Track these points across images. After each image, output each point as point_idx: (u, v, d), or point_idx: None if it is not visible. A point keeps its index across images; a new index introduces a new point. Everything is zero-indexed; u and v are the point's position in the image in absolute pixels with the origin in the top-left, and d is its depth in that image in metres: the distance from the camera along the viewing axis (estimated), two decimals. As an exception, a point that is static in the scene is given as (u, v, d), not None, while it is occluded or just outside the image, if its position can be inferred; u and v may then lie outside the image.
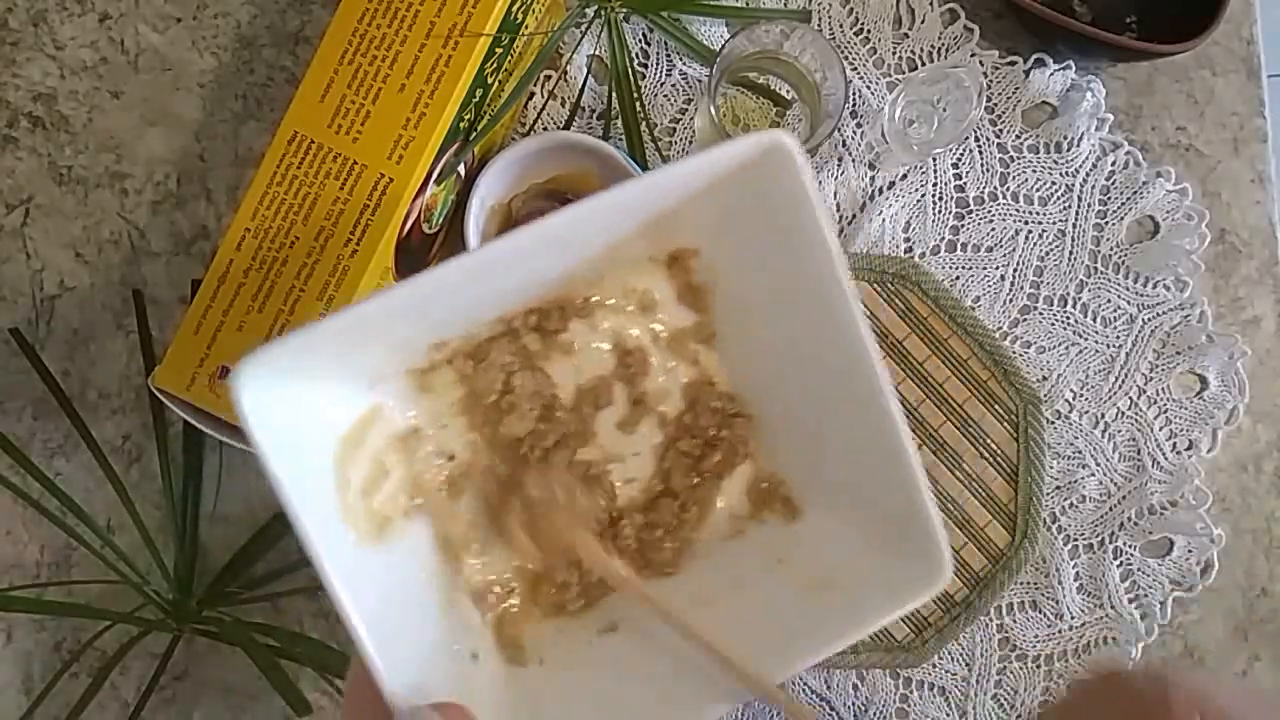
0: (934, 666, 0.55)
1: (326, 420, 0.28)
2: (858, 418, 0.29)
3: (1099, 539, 0.55)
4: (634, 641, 0.30)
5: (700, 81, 0.56)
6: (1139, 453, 0.56)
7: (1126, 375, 0.56)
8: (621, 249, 0.30)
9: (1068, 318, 0.56)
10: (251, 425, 0.25)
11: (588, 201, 0.27)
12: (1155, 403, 0.56)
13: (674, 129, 0.56)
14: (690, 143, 0.56)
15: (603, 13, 0.54)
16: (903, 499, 0.28)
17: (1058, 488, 0.56)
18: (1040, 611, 0.55)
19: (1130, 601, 0.55)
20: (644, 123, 0.55)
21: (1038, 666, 0.55)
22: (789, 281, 0.29)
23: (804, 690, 0.55)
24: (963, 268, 0.56)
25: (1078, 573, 0.55)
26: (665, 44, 0.56)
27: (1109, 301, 0.56)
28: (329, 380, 0.28)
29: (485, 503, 0.31)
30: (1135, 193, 0.56)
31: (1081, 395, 0.56)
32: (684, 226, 0.30)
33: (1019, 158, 0.56)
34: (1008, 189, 0.56)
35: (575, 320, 0.31)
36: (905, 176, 0.56)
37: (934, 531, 0.28)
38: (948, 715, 0.55)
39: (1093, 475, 0.56)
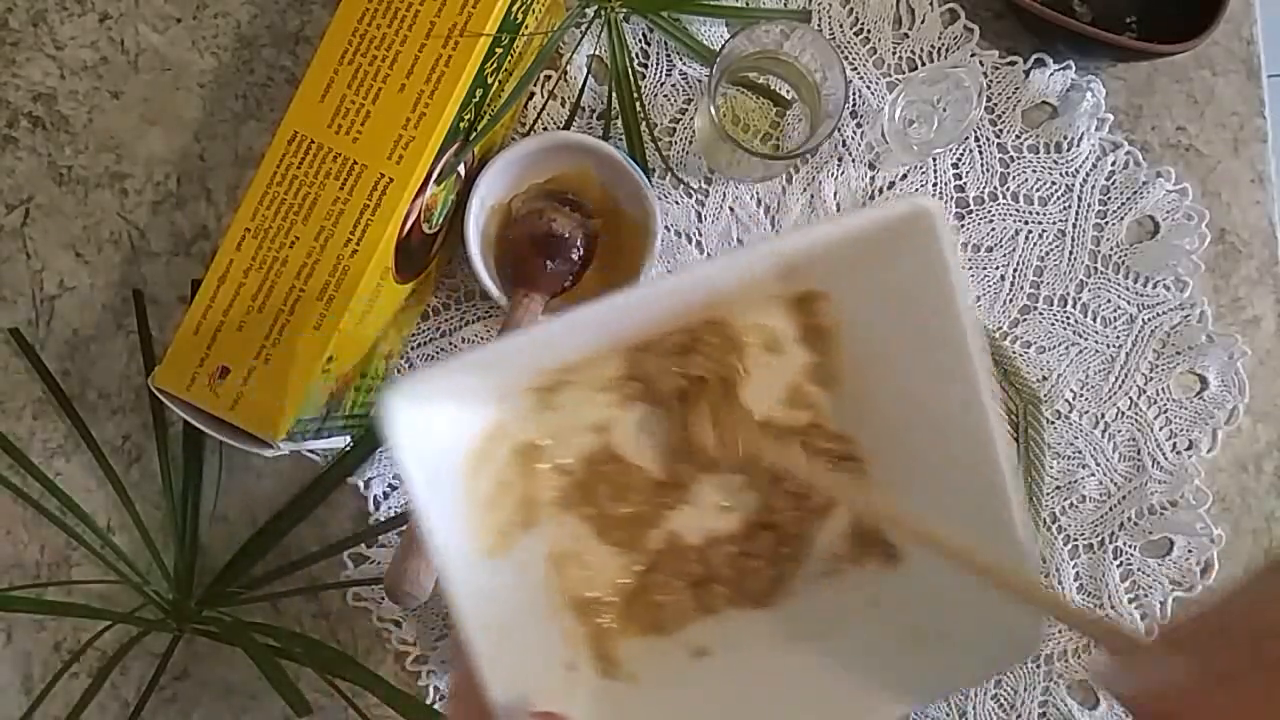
0: (934, 666, 0.55)
1: (457, 436, 0.29)
2: (970, 480, 0.29)
3: (1099, 539, 0.55)
4: (727, 667, 0.31)
5: (700, 81, 0.56)
6: (1139, 453, 0.56)
7: (1126, 375, 0.56)
8: (753, 288, 0.31)
9: (1068, 318, 0.56)
10: (401, 445, 0.26)
11: (744, 251, 0.29)
12: (1155, 403, 0.56)
13: (674, 129, 0.56)
14: (690, 143, 0.56)
15: (603, 13, 0.54)
16: (1011, 557, 0.29)
17: (1058, 488, 0.56)
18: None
19: (1130, 601, 0.55)
20: (644, 123, 0.55)
21: (1038, 667, 0.55)
22: (917, 339, 0.30)
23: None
24: (963, 267, 0.56)
25: (1078, 573, 0.55)
26: (665, 44, 0.56)
27: (1109, 301, 0.56)
28: (462, 399, 0.29)
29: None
30: (1135, 193, 0.56)
31: (1081, 395, 0.56)
32: (817, 271, 0.31)
33: (1019, 158, 0.56)
34: (1008, 189, 0.56)
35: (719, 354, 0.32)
36: (905, 176, 0.56)
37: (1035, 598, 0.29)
38: (948, 715, 0.55)
39: (1093, 475, 0.56)
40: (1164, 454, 0.56)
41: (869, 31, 0.57)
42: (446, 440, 0.29)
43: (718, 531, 0.32)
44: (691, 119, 0.56)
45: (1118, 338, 0.56)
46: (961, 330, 0.29)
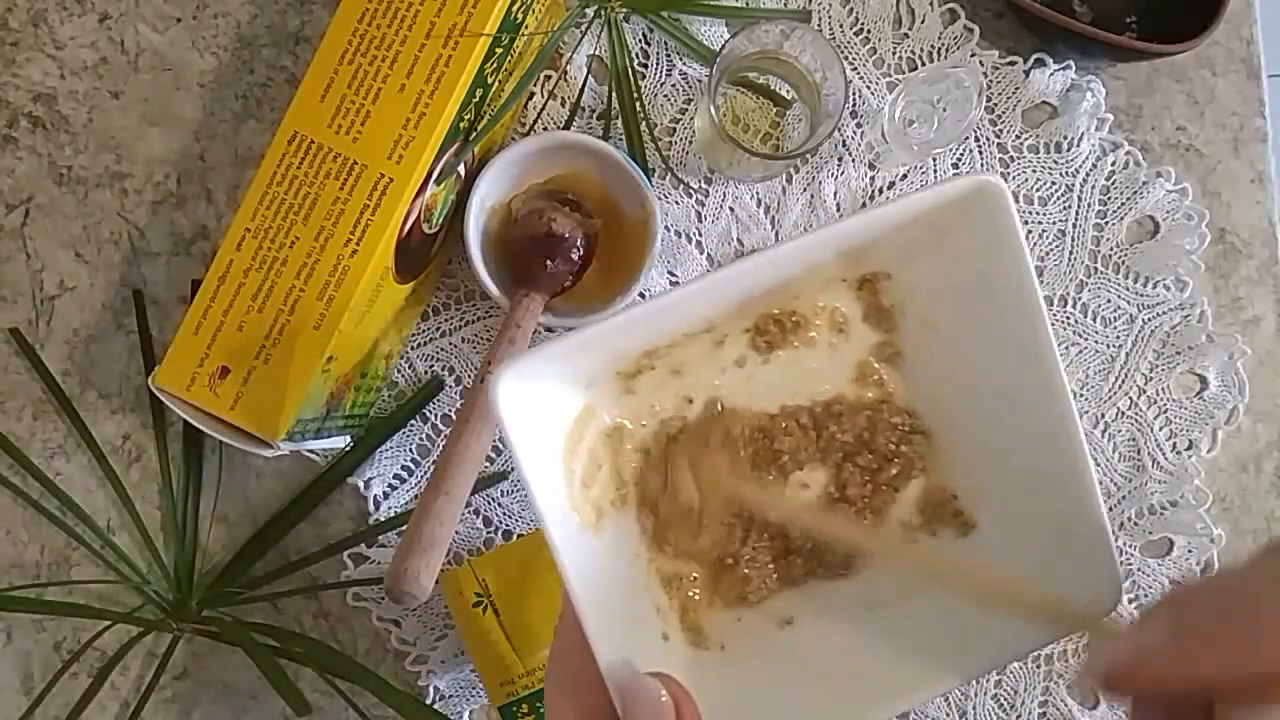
0: (934, 666, 0.55)
1: (555, 419, 0.31)
2: (1043, 444, 0.31)
3: (1099, 539, 0.55)
4: (811, 635, 0.33)
5: (700, 81, 0.56)
6: (1139, 453, 0.56)
7: (1126, 375, 0.56)
8: (817, 271, 0.32)
9: (1068, 318, 0.56)
10: (508, 428, 0.27)
11: (810, 235, 0.29)
12: (1155, 403, 0.56)
13: (674, 129, 0.56)
14: (690, 143, 0.56)
15: (603, 13, 0.54)
16: (1082, 522, 0.30)
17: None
18: (1040, 611, 0.55)
19: (1130, 601, 0.55)
20: (644, 123, 0.55)
21: (1038, 666, 0.55)
22: (985, 314, 0.31)
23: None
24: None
25: (1078, 573, 0.55)
26: (665, 44, 0.56)
27: (1109, 301, 0.56)
28: (558, 383, 0.31)
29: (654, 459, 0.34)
30: (1135, 193, 0.56)
31: (1081, 395, 0.56)
32: (880, 252, 0.32)
33: (1019, 158, 0.56)
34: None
35: (789, 334, 0.34)
36: (905, 176, 0.56)
37: (1110, 553, 0.30)
38: (948, 715, 0.55)
39: (1093, 475, 0.56)
40: (1164, 454, 0.56)
41: (869, 31, 0.57)
42: (547, 420, 0.30)
43: (798, 505, 0.34)
44: (691, 119, 0.56)
45: (1118, 338, 0.56)
46: (1034, 303, 0.30)
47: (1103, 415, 0.56)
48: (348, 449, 0.53)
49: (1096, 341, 0.56)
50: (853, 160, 0.56)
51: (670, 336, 0.33)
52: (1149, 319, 0.56)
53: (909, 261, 0.32)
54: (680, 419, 0.34)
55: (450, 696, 0.54)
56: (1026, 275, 0.30)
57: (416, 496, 0.55)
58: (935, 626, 0.31)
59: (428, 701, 0.54)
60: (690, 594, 0.33)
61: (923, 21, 0.56)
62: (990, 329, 0.31)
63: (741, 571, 0.33)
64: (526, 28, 0.50)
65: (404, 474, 0.55)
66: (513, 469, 0.55)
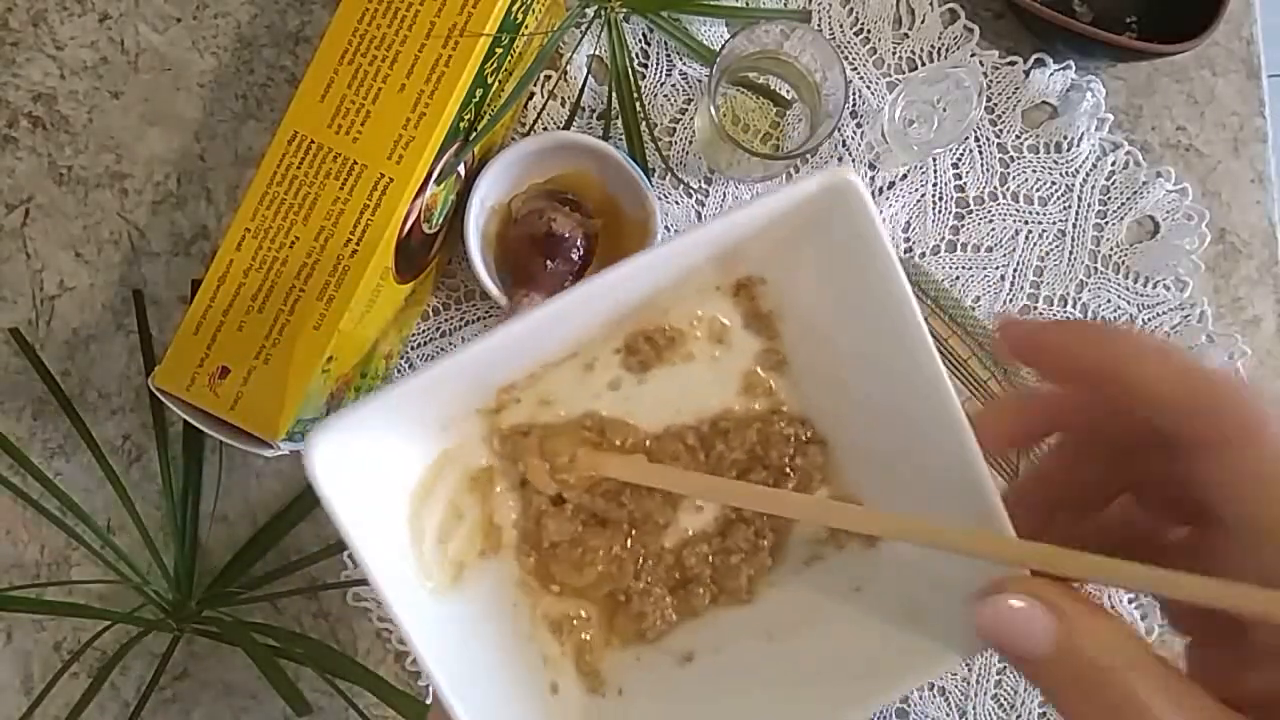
0: (934, 666, 0.55)
1: (398, 472, 0.28)
2: (931, 437, 0.28)
3: (1099, 539, 0.55)
4: (715, 669, 0.31)
5: (700, 81, 0.56)
6: (1139, 453, 0.56)
7: (1126, 375, 0.56)
8: (690, 280, 0.30)
9: (1068, 318, 0.56)
10: (326, 493, 0.25)
11: (672, 242, 0.27)
12: (1155, 403, 0.56)
13: (674, 129, 0.56)
14: (690, 142, 0.56)
15: (603, 13, 0.54)
16: (978, 519, 0.28)
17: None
18: (1040, 611, 0.55)
19: (1130, 601, 0.55)
20: (644, 123, 0.55)
21: (1038, 666, 0.55)
22: (856, 308, 0.29)
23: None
24: (963, 268, 0.56)
25: (1078, 573, 0.55)
26: (665, 44, 0.56)
27: (1109, 301, 0.56)
28: (398, 431, 0.28)
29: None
30: (1135, 193, 0.56)
31: (1081, 395, 0.56)
32: (750, 256, 0.30)
33: (1019, 158, 0.56)
34: (1008, 189, 0.56)
35: (665, 350, 0.32)
36: (905, 176, 0.56)
37: (1005, 524, 0.28)
38: (948, 715, 0.55)
39: (1093, 475, 0.55)
40: (1164, 454, 0.56)
41: (869, 31, 0.57)
42: (385, 479, 0.28)
43: (692, 531, 0.32)
44: (691, 119, 0.56)
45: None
46: (900, 294, 0.28)
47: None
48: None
49: (1096, 341, 0.56)
50: (853, 160, 0.56)
51: (528, 368, 0.30)
52: (1149, 319, 0.56)
53: (780, 263, 0.30)
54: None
55: (450, 696, 0.54)
56: (887, 268, 0.28)
57: (416, 496, 0.55)
58: (850, 647, 0.30)
59: (428, 701, 0.54)
60: (583, 636, 0.31)
61: (923, 21, 0.56)
62: (865, 325, 0.29)
63: (636, 607, 0.31)
64: (526, 28, 0.50)
65: (404, 474, 0.55)
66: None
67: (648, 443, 0.31)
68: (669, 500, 0.32)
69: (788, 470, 0.32)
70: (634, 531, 0.31)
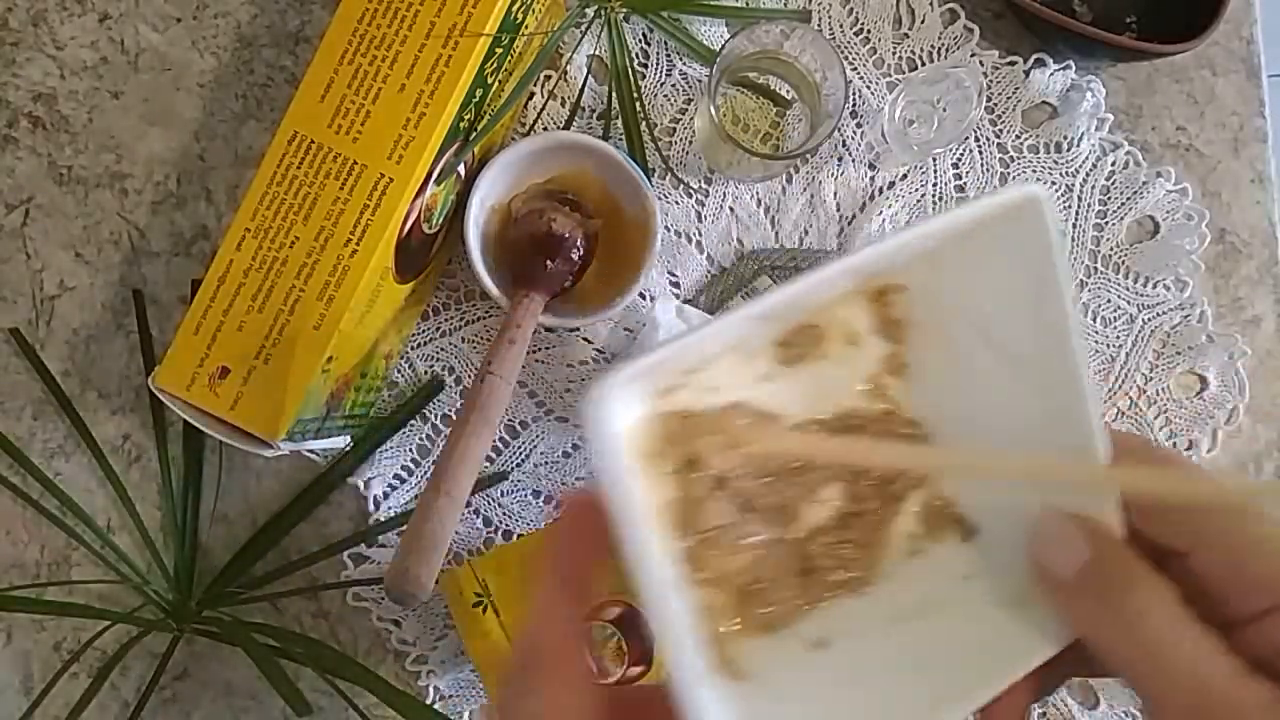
0: (934, 666, 0.55)
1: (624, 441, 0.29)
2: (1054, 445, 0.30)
3: (1099, 539, 0.55)
4: (843, 654, 0.31)
5: (700, 81, 0.56)
6: (1139, 453, 0.56)
7: (1126, 375, 0.56)
8: (836, 282, 0.31)
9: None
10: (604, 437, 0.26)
11: (855, 257, 0.28)
12: (1155, 403, 0.56)
13: (674, 129, 0.56)
14: (690, 142, 0.56)
15: (603, 13, 0.54)
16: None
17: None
18: (1040, 611, 0.55)
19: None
20: (644, 123, 0.55)
21: (1038, 666, 0.55)
22: (1010, 322, 0.30)
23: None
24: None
25: (1078, 573, 0.55)
26: (665, 44, 0.56)
27: (1109, 301, 0.56)
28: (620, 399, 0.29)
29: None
30: (1135, 193, 0.56)
31: (1081, 395, 0.56)
32: (901, 265, 0.31)
33: (1019, 158, 0.56)
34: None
35: (811, 347, 0.33)
36: (905, 176, 0.56)
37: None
38: (948, 715, 0.55)
39: (1093, 475, 0.55)
40: (1164, 454, 0.56)
41: (869, 31, 0.57)
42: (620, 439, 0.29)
43: (816, 523, 0.33)
44: (691, 119, 0.56)
45: (1118, 338, 0.56)
46: (1064, 307, 0.28)
47: (1103, 415, 0.56)
48: (348, 449, 0.53)
49: (1096, 341, 0.56)
50: (853, 160, 0.56)
51: (705, 354, 0.31)
52: (1149, 319, 0.56)
53: (927, 271, 0.31)
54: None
55: (450, 696, 0.54)
56: (1056, 289, 0.28)
57: (416, 496, 0.55)
58: (968, 633, 0.31)
59: (428, 701, 0.54)
60: (723, 626, 0.32)
61: (923, 21, 0.56)
62: (1011, 339, 0.30)
63: (766, 596, 0.33)
64: (526, 28, 0.50)
65: (404, 474, 0.55)
66: (514, 469, 0.55)
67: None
68: (802, 488, 0.32)
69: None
70: (773, 520, 0.32)
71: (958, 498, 0.33)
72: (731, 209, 0.56)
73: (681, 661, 0.26)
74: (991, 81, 0.56)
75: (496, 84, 0.49)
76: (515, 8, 0.47)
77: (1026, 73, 0.56)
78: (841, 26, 0.56)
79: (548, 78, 0.56)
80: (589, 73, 0.55)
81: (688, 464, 0.31)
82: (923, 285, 0.32)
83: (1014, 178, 0.56)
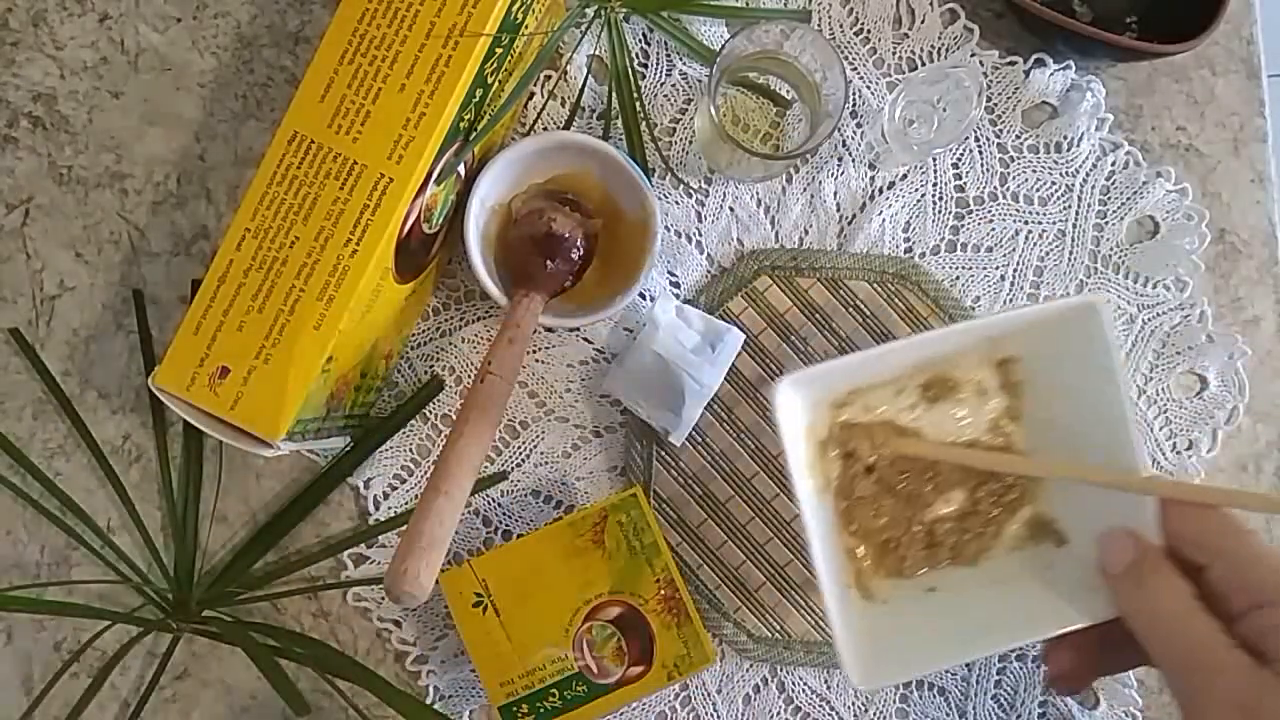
0: (934, 666, 0.55)
1: (802, 424, 0.47)
2: (1115, 491, 0.44)
3: (1099, 539, 0.56)
4: (948, 599, 0.47)
5: (700, 81, 0.56)
6: (1139, 453, 0.56)
7: (1126, 375, 0.56)
8: (974, 350, 0.47)
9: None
10: (784, 422, 0.44)
11: (971, 324, 0.46)
12: (1155, 403, 0.56)
13: (674, 129, 0.56)
14: (690, 142, 0.56)
15: (603, 13, 0.54)
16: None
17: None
18: (1040, 611, 0.55)
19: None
20: (644, 123, 0.55)
21: (1038, 666, 0.55)
22: (1085, 394, 0.45)
23: (804, 689, 0.55)
24: (963, 268, 0.56)
25: (1078, 573, 0.56)
26: (665, 44, 0.56)
27: (1109, 301, 0.56)
28: (804, 399, 0.47)
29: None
30: (1135, 193, 0.56)
31: (1081, 395, 0.56)
32: (1013, 342, 0.47)
33: (1019, 158, 0.56)
34: (1008, 189, 0.56)
35: (948, 393, 0.48)
36: (905, 176, 0.56)
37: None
38: (948, 715, 0.55)
39: (1093, 475, 0.56)
40: (1164, 454, 0.56)
41: (869, 31, 0.57)
42: (800, 425, 0.46)
43: (942, 514, 0.48)
44: (691, 119, 0.56)
45: (1117, 338, 0.56)
46: (1117, 390, 0.44)
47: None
48: (348, 449, 0.53)
49: (1096, 341, 0.56)
50: (853, 160, 0.56)
51: (866, 382, 0.48)
52: (1149, 319, 0.56)
53: (1033, 349, 0.47)
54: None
55: (450, 696, 0.54)
56: (1113, 371, 0.44)
57: (416, 496, 0.55)
58: (1038, 601, 0.45)
59: (427, 701, 0.54)
60: (863, 564, 0.48)
61: (923, 21, 0.56)
62: (1088, 404, 0.45)
63: (900, 553, 0.48)
64: (526, 28, 0.50)
65: (404, 474, 0.55)
66: (514, 469, 0.55)
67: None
68: (935, 487, 0.48)
69: (1010, 487, 0.48)
70: (907, 502, 0.48)
71: (1058, 516, 0.48)
72: (731, 209, 0.56)
73: (825, 578, 0.43)
74: (991, 81, 0.56)
75: (496, 84, 0.49)
76: (515, 8, 0.47)
77: (1026, 73, 0.56)
78: (841, 26, 0.56)
79: (548, 78, 0.56)
80: (589, 73, 0.55)
81: (847, 455, 0.48)
82: (1030, 358, 0.47)
83: (1014, 178, 0.56)
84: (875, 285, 0.55)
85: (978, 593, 0.47)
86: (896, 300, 0.55)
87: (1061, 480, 0.47)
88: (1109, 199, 0.56)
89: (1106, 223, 0.56)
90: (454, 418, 0.55)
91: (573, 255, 0.52)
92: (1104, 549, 0.42)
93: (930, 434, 0.48)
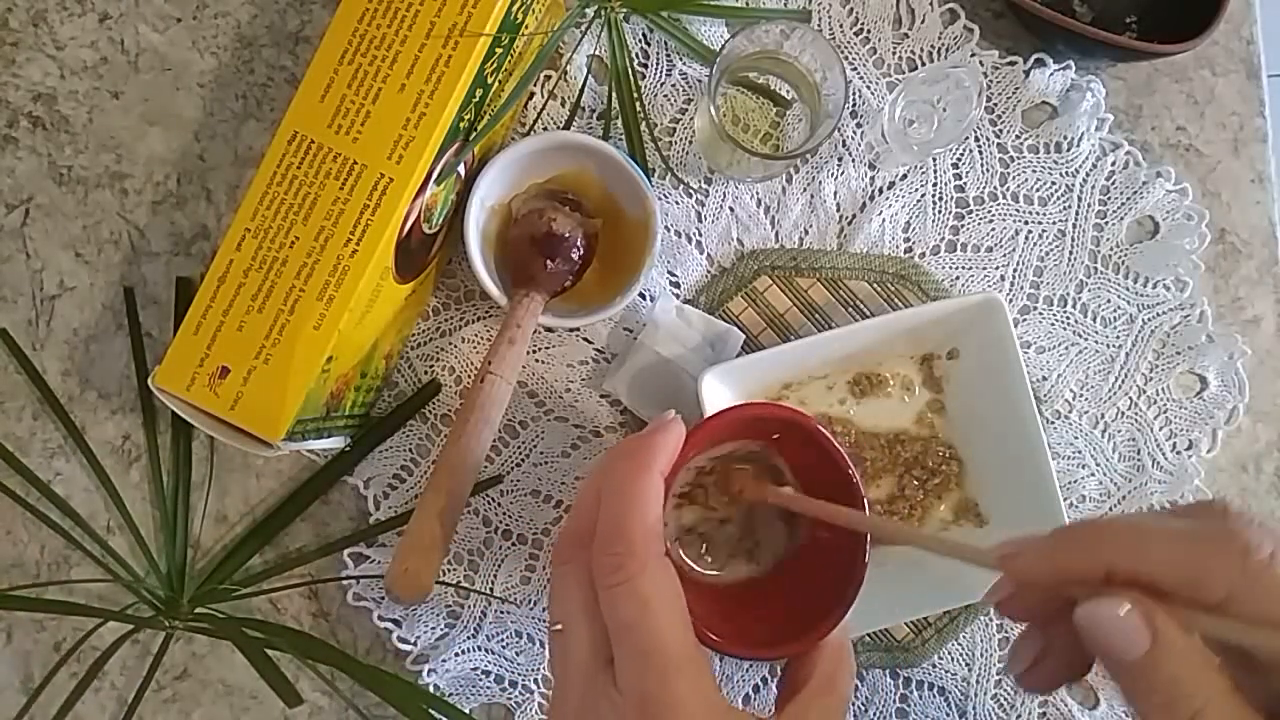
0: (934, 666, 0.55)
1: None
2: (1026, 470, 0.51)
3: (1099, 539, 0.55)
4: (890, 571, 0.49)
5: (700, 81, 0.56)
6: (1139, 453, 0.56)
7: (1126, 375, 0.56)
8: (896, 347, 0.53)
9: (1067, 318, 0.56)
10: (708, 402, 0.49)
11: (885, 318, 0.51)
12: (1155, 403, 0.56)
13: (674, 129, 0.56)
14: (690, 143, 0.56)
15: (603, 13, 0.54)
16: (1049, 520, 0.50)
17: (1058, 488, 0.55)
18: (1040, 611, 0.55)
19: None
20: (644, 123, 0.55)
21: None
22: (995, 384, 0.51)
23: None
24: (963, 268, 0.56)
25: (1078, 573, 0.55)
26: (665, 44, 0.56)
27: (1109, 301, 0.56)
28: (735, 389, 0.51)
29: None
30: (1135, 193, 0.56)
31: (1081, 395, 0.56)
32: (932, 340, 0.53)
33: (1019, 158, 0.56)
34: (1008, 189, 0.56)
35: (876, 388, 0.54)
36: (905, 176, 0.56)
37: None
38: (948, 715, 0.55)
39: (1093, 475, 0.56)
40: (1164, 454, 0.56)
41: (869, 31, 0.57)
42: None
43: (871, 498, 0.53)
44: (691, 119, 0.56)
45: (1117, 338, 0.56)
46: (1020, 380, 0.50)
47: (1102, 415, 0.56)
48: (347, 449, 0.53)
49: (1096, 341, 0.56)
50: (853, 160, 0.56)
51: (796, 377, 0.53)
52: (1149, 319, 0.56)
53: (949, 346, 0.53)
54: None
55: (450, 696, 0.54)
56: (1014, 361, 0.50)
57: (416, 496, 0.55)
58: (959, 574, 0.42)
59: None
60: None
61: (923, 21, 0.56)
62: (996, 394, 0.51)
63: None
64: (526, 28, 0.50)
65: (403, 474, 0.55)
66: (514, 469, 0.55)
67: (860, 435, 0.54)
68: (865, 475, 0.53)
69: (935, 473, 0.54)
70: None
71: (979, 499, 0.54)
72: (731, 209, 0.56)
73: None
74: (991, 81, 0.56)
75: (496, 84, 0.49)
76: (515, 8, 0.47)
77: (1026, 73, 0.56)
78: (841, 26, 0.56)
79: (548, 78, 0.56)
80: (589, 73, 0.55)
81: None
82: (950, 353, 0.53)
83: (1014, 178, 0.56)
84: (875, 285, 0.55)
85: (906, 566, 0.50)
86: (896, 300, 0.55)
87: (981, 470, 0.54)
88: (1109, 199, 0.56)
89: (1106, 223, 0.56)
90: (453, 418, 0.55)
91: (573, 255, 0.52)
92: (1095, 622, 0.29)
93: (862, 425, 0.54)
